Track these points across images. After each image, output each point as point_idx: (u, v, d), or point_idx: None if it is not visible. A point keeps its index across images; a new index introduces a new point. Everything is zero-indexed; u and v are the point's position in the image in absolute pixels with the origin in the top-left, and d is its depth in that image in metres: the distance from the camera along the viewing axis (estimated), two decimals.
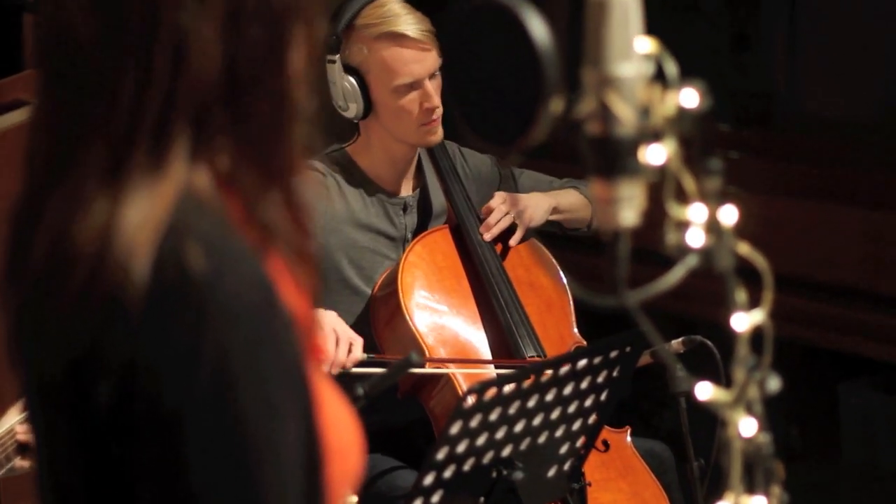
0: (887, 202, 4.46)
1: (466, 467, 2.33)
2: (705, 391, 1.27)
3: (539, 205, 3.24)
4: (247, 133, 1.18)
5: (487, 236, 3.16)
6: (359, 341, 2.88)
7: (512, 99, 1.19)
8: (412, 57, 3.04)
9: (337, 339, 2.84)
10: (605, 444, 3.07)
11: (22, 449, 2.47)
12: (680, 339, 2.88)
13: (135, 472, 1.13)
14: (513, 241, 3.22)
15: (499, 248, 3.20)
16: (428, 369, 2.98)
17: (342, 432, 1.22)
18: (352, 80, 3.07)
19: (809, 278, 4.49)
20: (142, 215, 1.13)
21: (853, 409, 4.37)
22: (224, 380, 1.11)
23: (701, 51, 5.09)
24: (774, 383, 1.28)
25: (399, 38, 3.04)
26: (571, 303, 3.24)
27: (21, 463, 2.49)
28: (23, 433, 2.46)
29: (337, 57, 3.07)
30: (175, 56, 1.15)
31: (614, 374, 2.52)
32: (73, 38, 1.19)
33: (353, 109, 3.09)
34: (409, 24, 3.05)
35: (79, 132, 1.17)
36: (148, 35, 1.16)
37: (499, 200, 3.20)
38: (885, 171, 4.61)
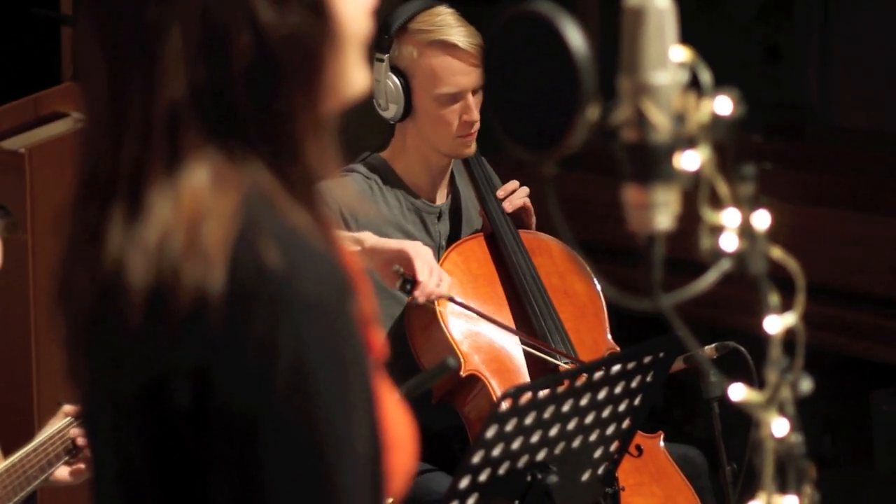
0: None
1: (501, 471, 2.35)
2: (738, 392, 1.29)
3: None
4: (263, 150, 1.19)
5: (509, 207, 3.20)
6: (447, 280, 2.92)
7: (549, 107, 1.22)
8: (460, 68, 3.08)
9: (430, 269, 2.88)
10: (639, 448, 3.09)
11: (68, 452, 2.50)
12: (713, 346, 2.90)
13: (212, 474, 1.15)
14: (528, 224, 3.25)
15: (532, 257, 3.22)
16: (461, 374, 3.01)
17: (398, 426, 1.24)
18: (397, 81, 3.11)
19: (841, 287, 4.50)
20: (203, 223, 1.14)
21: (885, 417, 4.37)
22: (302, 373, 1.13)
23: (733, 62, 5.10)
24: (806, 385, 1.30)
25: (450, 48, 3.08)
26: (605, 310, 3.26)
27: (61, 475, 2.51)
28: (82, 436, 2.46)
29: (386, 56, 3.11)
30: (165, 77, 1.16)
31: (648, 379, 2.54)
32: (84, 67, 1.22)
33: (392, 110, 3.13)
34: (463, 36, 3.09)
35: (108, 147, 1.20)
36: (144, 62, 1.18)
37: (517, 184, 3.26)
38: None
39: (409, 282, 2.86)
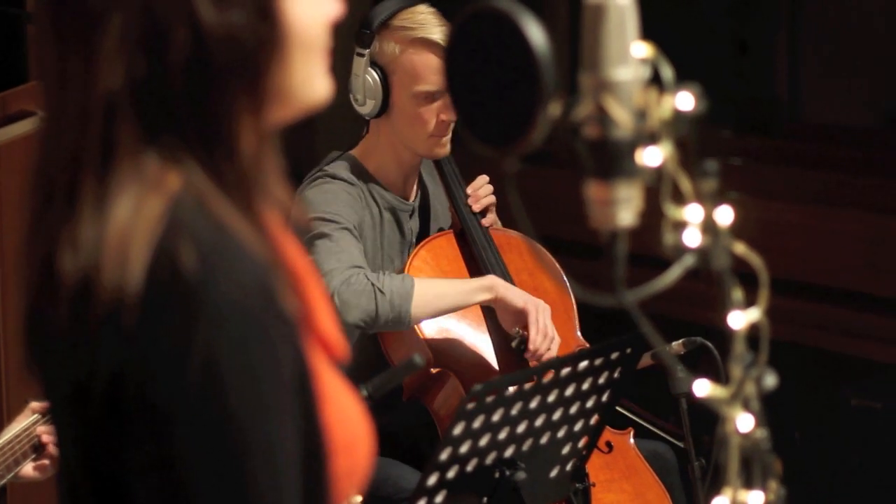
0: (887, 207, 4.48)
1: (469, 468, 2.36)
2: (703, 388, 1.29)
3: None
4: (198, 149, 1.18)
5: (476, 207, 3.21)
6: (558, 339, 3.06)
7: (511, 103, 1.21)
8: (440, 66, 3.08)
9: (545, 335, 3.03)
10: (609, 445, 3.10)
11: (35, 450, 2.49)
12: (680, 341, 2.91)
13: (135, 474, 1.15)
14: (487, 221, 3.27)
15: (502, 254, 3.22)
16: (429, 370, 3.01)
17: (349, 427, 1.23)
18: (376, 76, 3.10)
19: (810, 282, 4.51)
20: (128, 224, 1.14)
21: (854, 411, 4.39)
22: (213, 379, 1.12)
23: (702, 57, 5.10)
24: (771, 380, 1.30)
25: (432, 46, 3.08)
26: (575, 307, 3.26)
27: (27, 472, 2.51)
28: (45, 433, 2.47)
29: (366, 52, 3.11)
30: (104, 68, 1.16)
31: (615, 375, 2.54)
32: (39, 61, 1.22)
33: (369, 105, 3.12)
34: (444, 34, 3.09)
35: (52, 138, 1.20)
36: (84, 49, 1.17)
37: (486, 179, 3.26)
38: (884, 177, 4.63)
39: (523, 343, 3.03)
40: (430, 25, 3.10)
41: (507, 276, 3.18)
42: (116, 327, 1.13)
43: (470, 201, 3.23)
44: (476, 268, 3.18)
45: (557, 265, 3.28)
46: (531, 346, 2.99)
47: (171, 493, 1.14)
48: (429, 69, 3.09)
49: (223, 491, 1.13)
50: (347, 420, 1.23)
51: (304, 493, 1.18)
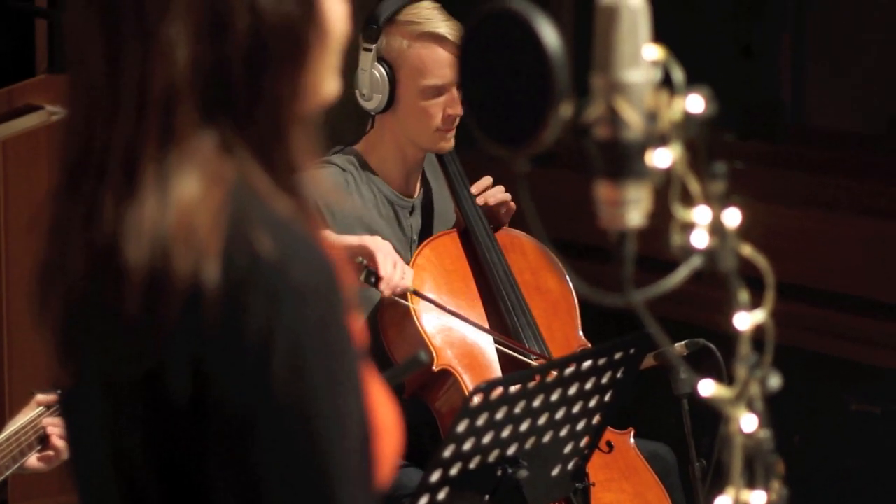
0: (889, 212, 4.48)
1: (472, 465, 2.36)
2: (708, 388, 1.30)
3: None
4: (251, 135, 1.20)
5: (481, 199, 3.22)
6: (410, 273, 2.97)
7: (523, 104, 1.23)
8: (448, 61, 3.10)
9: (393, 263, 2.92)
10: (609, 445, 3.10)
11: (41, 441, 2.50)
12: (683, 343, 2.91)
13: (210, 462, 1.16)
14: (503, 221, 3.27)
15: (506, 253, 3.23)
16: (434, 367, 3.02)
17: (384, 413, 1.25)
18: (383, 71, 3.11)
19: (812, 286, 4.51)
20: (193, 211, 1.15)
21: (855, 415, 4.39)
22: (298, 362, 1.14)
23: (706, 60, 5.10)
24: (775, 381, 1.31)
25: (440, 40, 3.10)
26: (577, 306, 3.27)
27: (32, 463, 2.52)
28: (49, 426, 2.48)
29: (374, 46, 3.12)
30: (166, 54, 1.18)
31: (618, 375, 2.55)
32: (78, 48, 1.23)
33: (375, 101, 3.13)
34: (450, 28, 3.11)
35: (102, 127, 1.20)
36: (144, 35, 1.19)
37: (489, 181, 3.27)
38: (887, 182, 4.63)
39: (373, 274, 2.90)
40: (437, 20, 3.12)
41: (509, 276, 3.19)
42: (196, 317, 1.14)
43: (479, 200, 3.24)
44: (479, 267, 3.19)
45: (561, 266, 3.29)
46: (381, 273, 2.88)
47: (250, 478, 1.15)
48: (436, 63, 3.11)
49: (302, 474, 1.15)
50: (381, 406, 1.25)
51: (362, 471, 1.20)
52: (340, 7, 1.26)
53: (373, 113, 3.18)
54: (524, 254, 3.28)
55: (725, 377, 2.66)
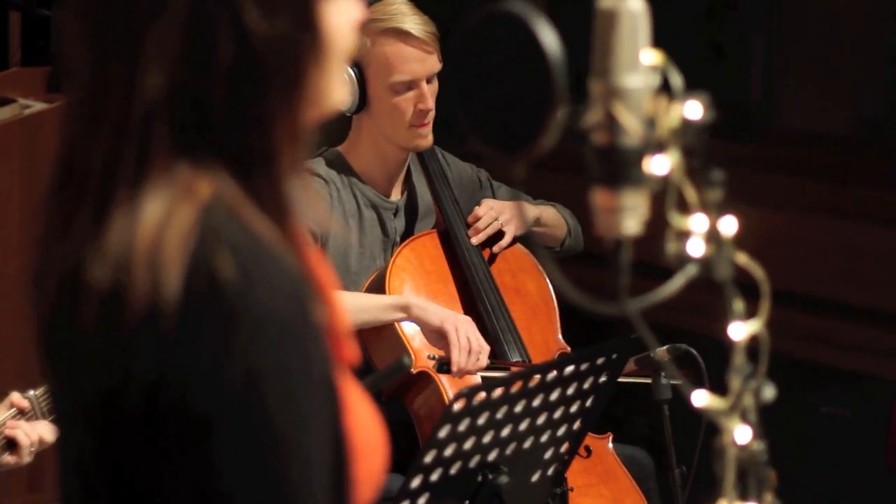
0: (861, 214, 4.49)
1: (453, 471, 2.35)
2: (701, 398, 1.29)
3: (524, 213, 3.27)
4: (232, 156, 1.17)
5: (475, 240, 3.19)
6: (486, 350, 2.97)
7: (521, 108, 1.21)
8: (414, 56, 3.07)
9: (469, 349, 2.93)
10: (588, 449, 3.09)
11: (9, 445, 2.48)
12: (664, 348, 2.90)
13: (167, 481, 1.14)
14: (497, 248, 3.24)
15: (486, 253, 3.22)
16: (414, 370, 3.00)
17: (367, 433, 1.23)
18: (350, 71, 3.09)
19: (783, 288, 4.51)
20: (159, 230, 1.13)
21: (823, 418, 4.40)
22: (253, 387, 1.12)
23: (677, 60, 5.09)
24: (769, 392, 1.30)
25: (403, 36, 3.07)
26: (556, 310, 3.26)
27: (7, 459, 2.50)
28: (10, 429, 2.47)
29: None
30: (146, 73, 1.15)
31: (600, 380, 2.54)
32: (69, 59, 1.20)
33: (347, 102, 3.11)
34: (415, 24, 3.08)
35: (85, 140, 1.18)
36: (128, 55, 1.16)
37: (487, 206, 3.22)
38: (859, 184, 4.64)
39: (445, 365, 2.95)
40: (401, 15, 3.09)
41: (489, 277, 3.17)
42: (153, 335, 1.12)
43: (470, 232, 3.21)
44: (459, 267, 3.17)
45: (541, 268, 3.28)
46: (454, 368, 2.93)
47: (207, 499, 1.13)
48: (401, 59, 3.08)
49: (259, 498, 1.13)
50: (365, 426, 1.23)
51: (329, 498, 1.17)
52: (346, 16, 1.22)
53: (347, 114, 3.15)
54: (504, 256, 3.26)
55: (707, 383, 2.66)
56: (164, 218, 1.13)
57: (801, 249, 4.51)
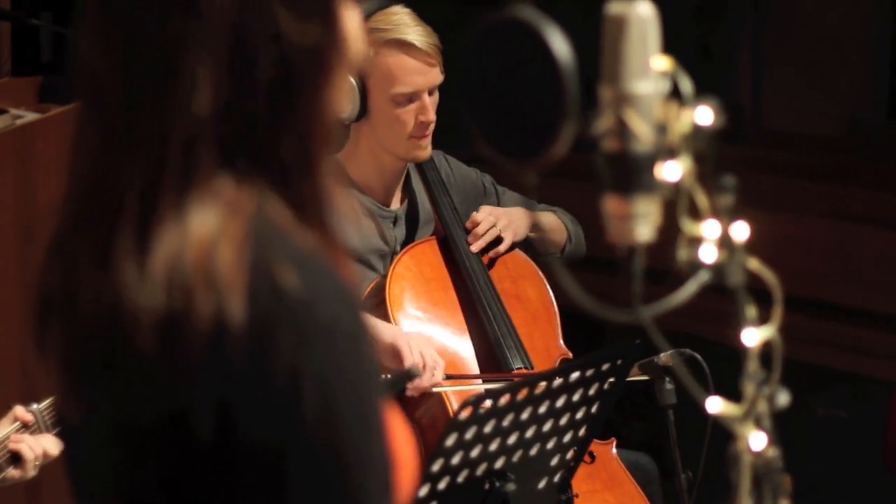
0: (849, 214, 4.49)
1: (460, 479, 2.34)
2: (715, 405, 1.28)
3: (522, 219, 3.26)
4: (273, 169, 1.16)
5: (475, 247, 3.18)
6: (441, 365, 2.94)
7: (532, 115, 1.20)
8: (416, 68, 3.05)
9: (424, 365, 2.90)
10: (592, 455, 3.08)
11: (14, 459, 2.47)
12: (669, 353, 2.89)
13: (237, 499, 1.12)
14: (494, 254, 3.23)
15: (485, 259, 3.21)
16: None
17: (402, 443, 1.22)
18: (352, 80, 3.07)
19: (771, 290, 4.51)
20: (212, 246, 1.10)
21: (821, 420, 4.40)
22: (328, 399, 1.10)
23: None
24: (784, 398, 1.29)
25: (406, 47, 3.06)
26: (557, 315, 3.25)
27: (12, 473, 2.49)
28: (15, 442, 2.46)
29: None
30: (189, 92, 1.13)
31: (605, 386, 2.53)
32: (94, 78, 1.18)
33: (347, 110, 3.09)
34: (419, 35, 3.06)
35: (116, 164, 1.16)
36: (164, 75, 1.14)
37: (485, 213, 3.22)
38: (846, 184, 4.64)
39: (400, 381, 2.89)
40: (405, 26, 3.08)
41: (489, 283, 3.16)
42: (220, 356, 1.10)
43: (469, 239, 3.20)
44: (459, 274, 3.16)
45: (541, 274, 3.27)
46: (409, 385, 2.91)
47: None
48: (404, 70, 3.06)
49: None
50: (399, 437, 1.22)
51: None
52: (355, 24, 1.21)
53: (346, 122, 3.14)
54: (504, 262, 3.25)
55: (711, 387, 2.66)
56: (214, 233, 1.11)
57: (789, 250, 4.51)
